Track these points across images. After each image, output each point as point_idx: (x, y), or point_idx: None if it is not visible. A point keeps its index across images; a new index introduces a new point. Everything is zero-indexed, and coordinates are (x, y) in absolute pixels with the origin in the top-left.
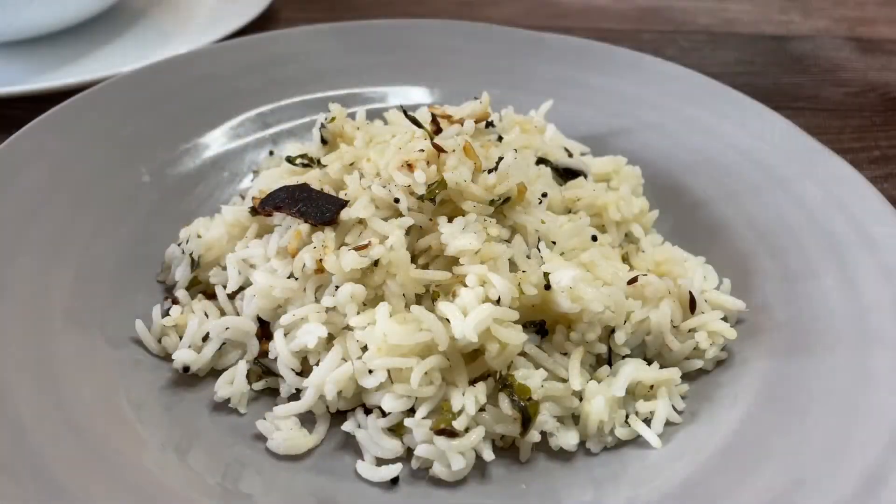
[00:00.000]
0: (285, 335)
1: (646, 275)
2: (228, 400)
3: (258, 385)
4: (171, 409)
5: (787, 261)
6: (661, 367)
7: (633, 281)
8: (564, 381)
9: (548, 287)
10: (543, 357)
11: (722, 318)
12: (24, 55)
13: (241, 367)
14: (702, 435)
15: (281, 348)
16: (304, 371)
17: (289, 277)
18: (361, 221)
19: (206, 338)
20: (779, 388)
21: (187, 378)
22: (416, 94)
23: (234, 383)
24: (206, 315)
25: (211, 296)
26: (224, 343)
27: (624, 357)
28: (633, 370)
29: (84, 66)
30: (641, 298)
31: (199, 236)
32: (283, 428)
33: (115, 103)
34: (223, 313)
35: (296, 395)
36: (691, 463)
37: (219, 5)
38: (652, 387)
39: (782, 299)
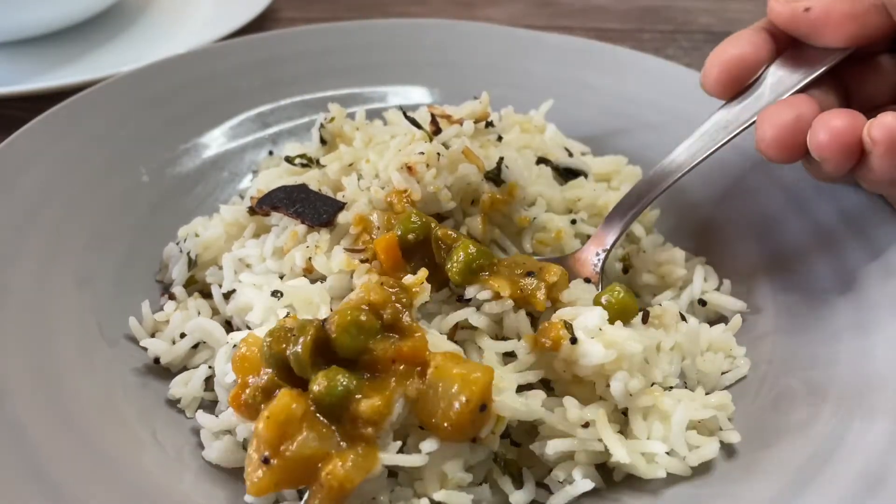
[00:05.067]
0: None
1: (651, 306)
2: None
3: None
4: (170, 408)
5: (787, 261)
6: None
7: (646, 317)
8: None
9: (574, 341)
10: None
11: (720, 321)
12: (24, 55)
13: (201, 371)
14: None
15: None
16: None
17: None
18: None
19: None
20: (779, 389)
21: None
22: (416, 94)
23: (188, 385)
24: (199, 313)
25: (208, 295)
26: (202, 343)
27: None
28: (684, 414)
29: (84, 66)
30: (662, 327)
31: (196, 235)
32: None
33: (114, 103)
34: (216, 312)
35: None
36: (693, 463)
37: (219, 5)
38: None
39: (782, 299)
